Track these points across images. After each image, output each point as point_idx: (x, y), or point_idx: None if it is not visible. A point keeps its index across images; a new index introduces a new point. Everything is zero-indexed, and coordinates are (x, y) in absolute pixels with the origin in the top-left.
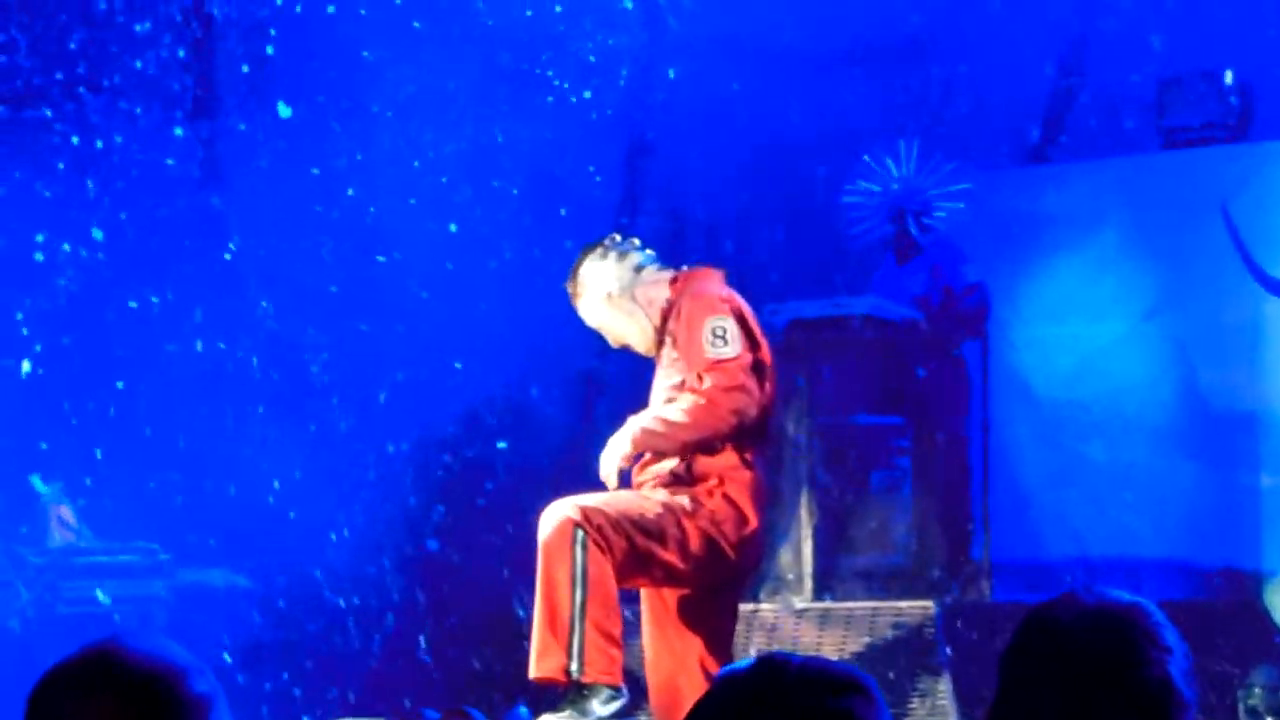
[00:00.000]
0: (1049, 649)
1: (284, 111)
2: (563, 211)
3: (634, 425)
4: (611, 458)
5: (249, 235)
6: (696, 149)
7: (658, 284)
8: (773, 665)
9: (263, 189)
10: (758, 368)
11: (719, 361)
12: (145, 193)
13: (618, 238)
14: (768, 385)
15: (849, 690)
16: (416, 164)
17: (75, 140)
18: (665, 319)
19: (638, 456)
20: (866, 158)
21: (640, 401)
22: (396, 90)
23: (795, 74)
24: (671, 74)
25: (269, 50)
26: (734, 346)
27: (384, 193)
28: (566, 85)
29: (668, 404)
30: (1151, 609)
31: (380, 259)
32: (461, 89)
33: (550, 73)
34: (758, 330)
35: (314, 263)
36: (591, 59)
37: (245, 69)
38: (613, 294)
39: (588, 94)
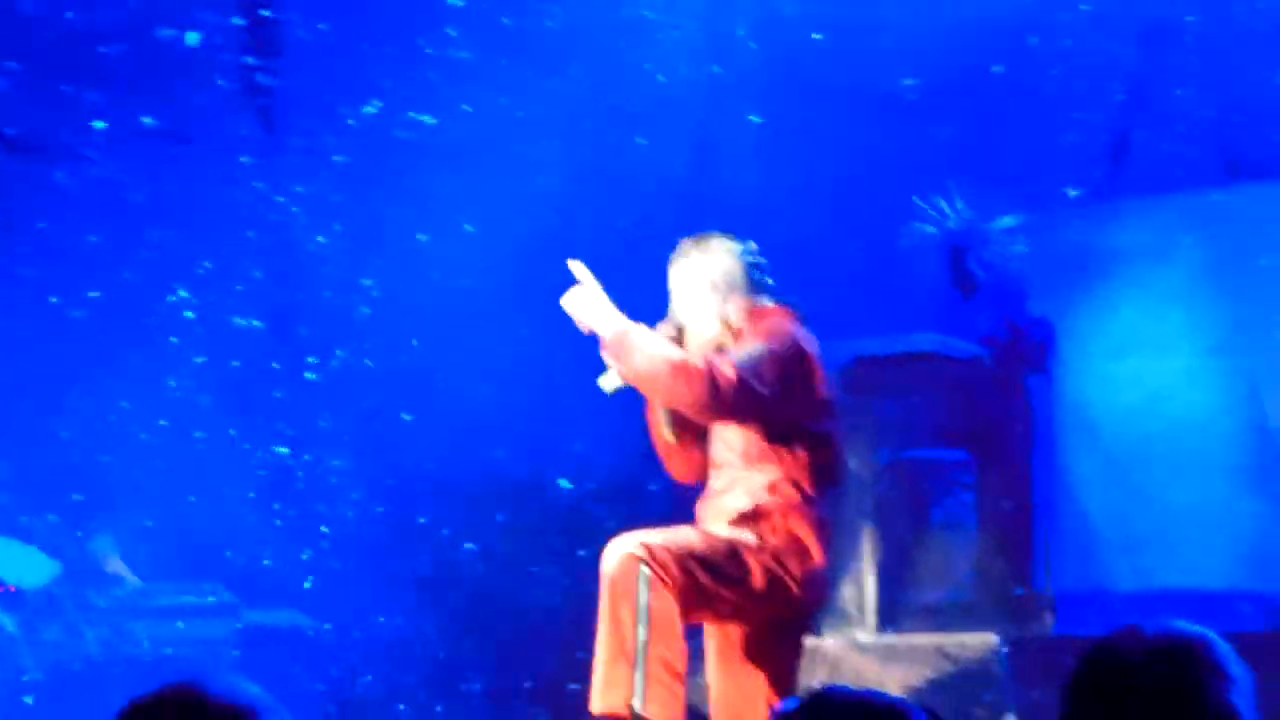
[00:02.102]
0: (1111, 681)
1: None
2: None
3: (625, 325)
4: (583, 312)
5: None
6: (758, 186)
7: (743, 309)
8: (823, 700)
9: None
10: (786, 401)
11: (743, 366)
12: None
13: (755, 247)
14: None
15: None
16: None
17: None
18: (729, 339)
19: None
20: (923, 199)
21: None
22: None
23: (853, 112)
24: (753, 118)
25: None
26: (767, 379)
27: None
28: (632, 110)
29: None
30: (1215, 640)
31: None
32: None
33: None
34: (819, 370)
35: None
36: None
37: None
38: (715, 283)
39: (641, 140)
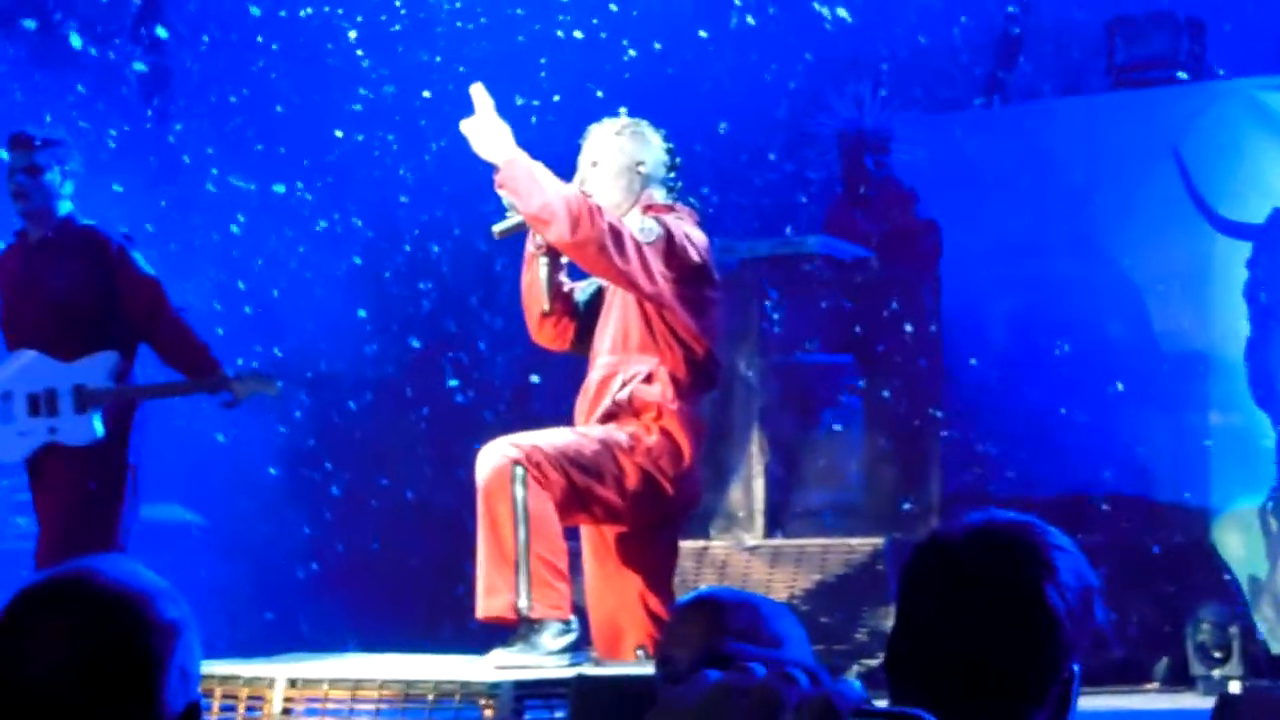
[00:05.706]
0: (937, 569)
1: None
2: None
3: (527, 158)
4: (482, 139)
5: None
6: (657, 82)
7: (647, 200)
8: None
9: None
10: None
11: (637, 237)
12: None
13: (677, 158)
14: (707, 321)
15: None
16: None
17: None
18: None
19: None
20: (831, 96)
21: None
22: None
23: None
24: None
25: None
26: (658, 253)
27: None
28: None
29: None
30: (1042, 527)
31: None
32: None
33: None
34: (707, 270)
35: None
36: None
37: None
38: (639, 169)
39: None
